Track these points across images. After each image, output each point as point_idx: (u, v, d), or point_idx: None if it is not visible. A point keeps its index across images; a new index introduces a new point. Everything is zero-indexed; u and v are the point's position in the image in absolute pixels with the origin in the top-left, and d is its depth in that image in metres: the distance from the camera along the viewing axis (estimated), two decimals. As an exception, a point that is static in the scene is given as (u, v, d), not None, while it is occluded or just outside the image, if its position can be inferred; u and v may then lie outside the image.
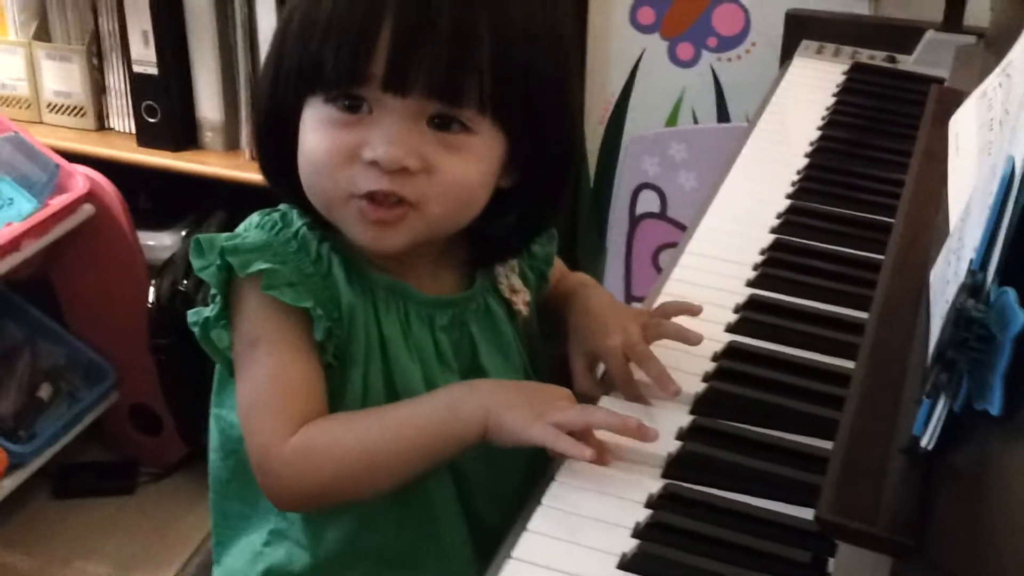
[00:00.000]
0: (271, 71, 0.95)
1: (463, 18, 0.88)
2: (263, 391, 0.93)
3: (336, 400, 0.96)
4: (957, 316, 0.69)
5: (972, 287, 0.69)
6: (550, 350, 1.13)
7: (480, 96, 0.89)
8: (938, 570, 0.70)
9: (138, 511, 2.19)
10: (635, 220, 2.10)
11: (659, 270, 2.10)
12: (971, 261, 0.72)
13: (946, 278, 0.84)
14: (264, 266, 0.92)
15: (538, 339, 1.10)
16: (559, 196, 1.02)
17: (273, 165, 0.98)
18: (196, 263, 0.94)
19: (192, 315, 0.97)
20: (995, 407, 0.67)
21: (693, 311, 1.08)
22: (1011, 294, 0.67)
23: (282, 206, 1.00)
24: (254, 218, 0.99)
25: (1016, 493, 0.66)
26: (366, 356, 0.96)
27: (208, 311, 0.95)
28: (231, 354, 0.95)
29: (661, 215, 2.08)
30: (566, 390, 0.96)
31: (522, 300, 1.06)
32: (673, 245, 2.06)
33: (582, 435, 0.92)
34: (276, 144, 0.96)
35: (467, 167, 0.92)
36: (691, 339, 1.05)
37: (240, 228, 0.99)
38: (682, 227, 2.05)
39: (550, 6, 0.94)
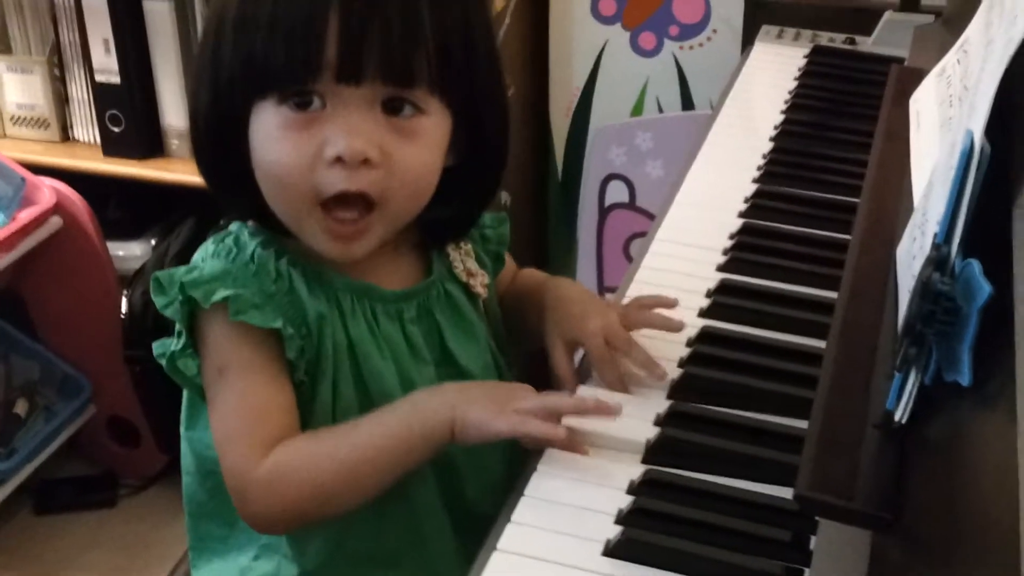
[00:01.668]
0: (208, 83, 0.93)
1: None
2: (234, 418, 0.93)
3: (307, 412, 0.96)
4: (924, 290, 0.70)
5: (937, 260, 0.71)
6: (520, 347, 1.14)
7: (429, 74, 0.90)
8: (917, 541, 0.71)
9: (121, 523, 2.18)
10: (604, 211, 2.11)
11: (630, 259, 2.11)
12: (935, 235, 0.73)
13: (912, 253, 0.85)
14: (227, 293, 0.91)
15: (499, 321, 1.11)
16: (501, 169, 1.03)
17: (220, 180, 0.97)
18: (158, 300, 0.94)
19: (158, 347, 0.96)
20: (965, 378, 0.68)
21: (668, 303, 1.09)
22: (975, 266, 0.68)
23: (232, 227, 1.00)
24: (208, 246, 0.98)
25: (988, 461, 0.67)
26: (335, 364, 0.96)
27: (173, 344, 0.95)
28: (199, 380, 0.95)
29: (630, 205, 2.09)
30: (528, 385, 0.96)
31: (480, 283, 1.07)
32: (643, 234, 2.07)
33: (547, 422, 0.92)
34: (221, 158, 0.95)
35: (422, 153, 0.93)
36: (674, 327, 1.06)
37: (196, 258, 0.98)
38: (651, 216, 2.06)
39: None
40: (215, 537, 1.05)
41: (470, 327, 1.04)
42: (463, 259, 1.06)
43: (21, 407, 2.11)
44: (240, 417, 0.93)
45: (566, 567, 0.84)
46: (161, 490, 2.24)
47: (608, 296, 1.11)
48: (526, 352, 1.16)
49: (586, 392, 1.02)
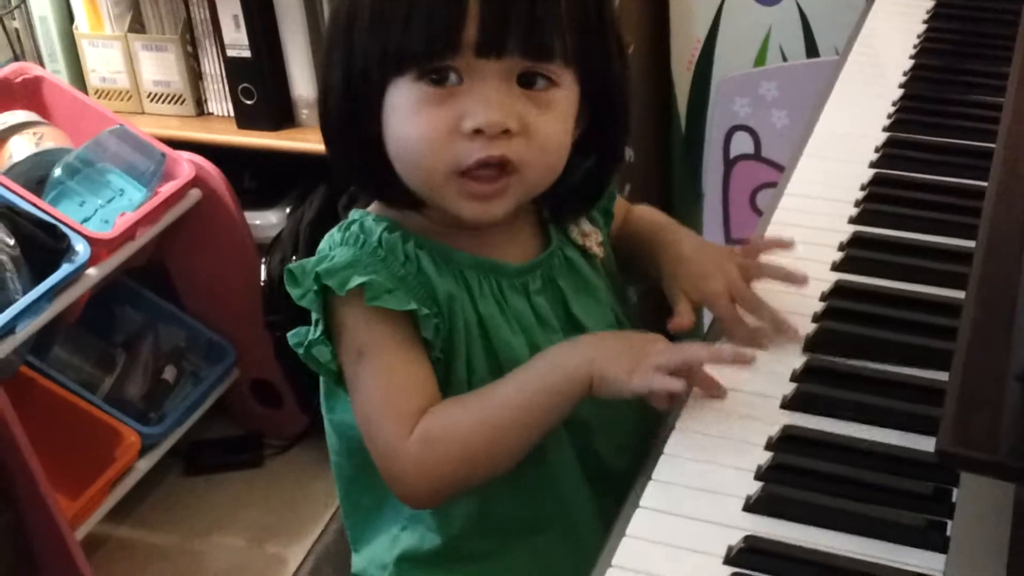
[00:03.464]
0: (341, 62, 0.95)
1: None
2: (377, 398, 0.96)
3: (444, 390, 0.98)
4: (1065, 243, 0.70)
5: (1079, 213, 0.70)
6: (636, 289, 1.14)
7: (564, 47, 0.92)
8: (1061, 494, 0.71)
9: (267, 482, 2.27)
10: (730, 162, 2.10)
11: (757, 211, 2.10)
12: (1076, 187, 0.73)
13: (1052, 204, 0.84)
14: (362, 280, 0.93)
15: (616, 275, 1.12)
16: (623, 142, 1.04)
17: (347, 157, 0.99)
18: (293, 292, 0.96)
19: (293, 336, 0.99)
20: (1109, 330, 0.68)
21: (784, 245, 1.08)
22: (1119, 218, 0.68)
23: (354, 215, 1.02)
24: (335, 235, 1.00)
25: None
26: (467, 341, 0.98)
27: (310, 333, 0.97)
28: (334, 366, 0.97)
29: (756, 156, 2.08)
30: (660, 335, 0.97)
31: (595, 241, 1.08)
32: (770, 185, 2.07)
33: (686, 374, 0.93)
34: (351, 136, 0.97)
35: (557, 123, 0.94)
36: (797, 280, 1.06)
37: (323, 247, 1.00)
38: (777, 166, 2.05)
39: None
40: (365, 509, 1.09)
41: (592, 289, 1.06)
42: (578, 221, 1.07)
43: (170, 373, 2.19)
44: (384, 395, 0.95)
45: (707, 523, 0.85)
46: (304, 449, 2.32)
47: (737, 248, 1.11)
48: (642, 291, 1.16)
49: (723, 348, 1.02)
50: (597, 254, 1.07)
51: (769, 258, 1.08)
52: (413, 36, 0.90)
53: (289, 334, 1.00)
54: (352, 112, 0.96)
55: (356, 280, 0.93)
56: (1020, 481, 0.74)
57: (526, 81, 0.92)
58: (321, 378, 1.05)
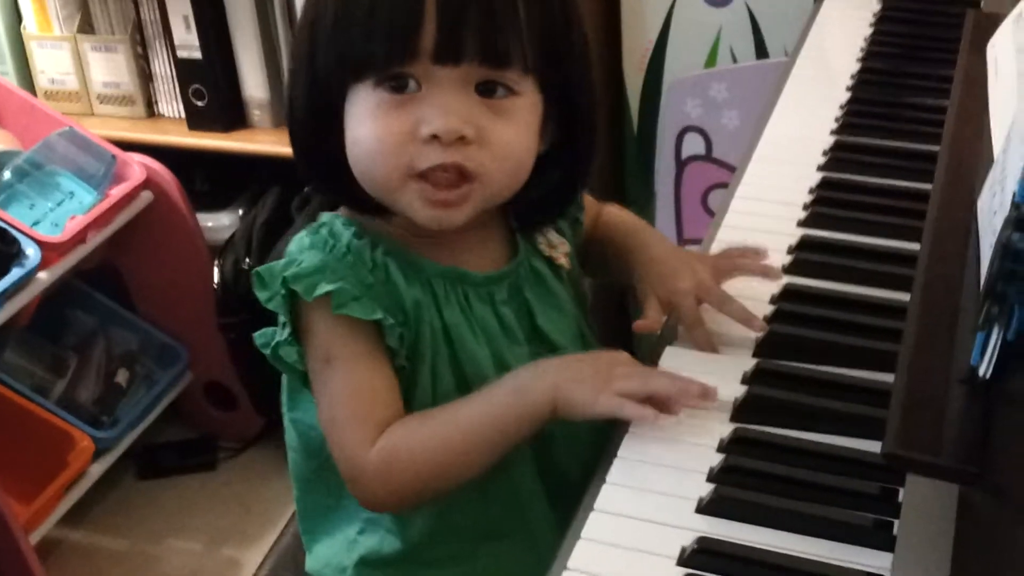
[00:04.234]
0: (305, 72, 0.96)
1: None
2: (342, 405, 0.96)
3: (408, 396, 0.99)
4: (1004, 250, 0.72)
5: (1017, 220, 0.72)
6: (598, 280, 1.15)
7: (523, 55, 0.92)
8: (1004, 492, 0.73)
9: (222, 485, 2.27)
10: (681, 163, 2.12)
11: (709, 211, 2.12)
12: (1015, 194, 0.74)
13: (992, 208, 0.86)
14: (330, 288, 0.94)
15: (582, 285, 1.13)
16: (591, 154, 1.04)
17: (314, 164, 1.00)
18: (261, 295, 0.97)
19: (260, 337, 0.99)
20: (1048, 335, 0.70)
21: (758, 253, 1.10)
22: (1056, 225, 0.70)
23: (324, 217, 1.02)
24: (304, 239, 1.00)
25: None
26: (432, 349, 0.99)
27: (277, 334, 0.98)
28: (301, 367, 0.98)
29: (707, 157, 2.10)
30: (625, 353, 0.98)
31: (562, 253, 1.08)
32: (721, 186, 2.09)
33: (651, 401, 0.94)
34: (316, 141, 0.97)
35: (517, 132, 0.95)
36: (771, 274, 1.08)
37: (292, 249, 1.00)
38: (729, 167, 2.07)
39: None
40: (321, 509, 1.09)
41: (558, 302, 1.06)
42: (544, 232, 1.08)
43: (122, 377, 2.19)
44: (348, 405, 0.96)
45: (661, 525, 0.87)
46: (259, 452, 2.32)
47: (690, 248, 1.12)
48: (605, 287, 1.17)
49: (672, 352, 1.04)
50: (564, 265, 1.08)
51: (743, 261, 1.10)
52: (372, 43, 0.91)
53: (256, 334, 1.00)
54: (316, 118, 0.96)
55: (323, 287, 0.94)
56: (963, 482, 0.76)
57: (485, 90, 0.92)
58: (284, 376, 1.05)
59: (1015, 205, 0.73)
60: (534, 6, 0.92)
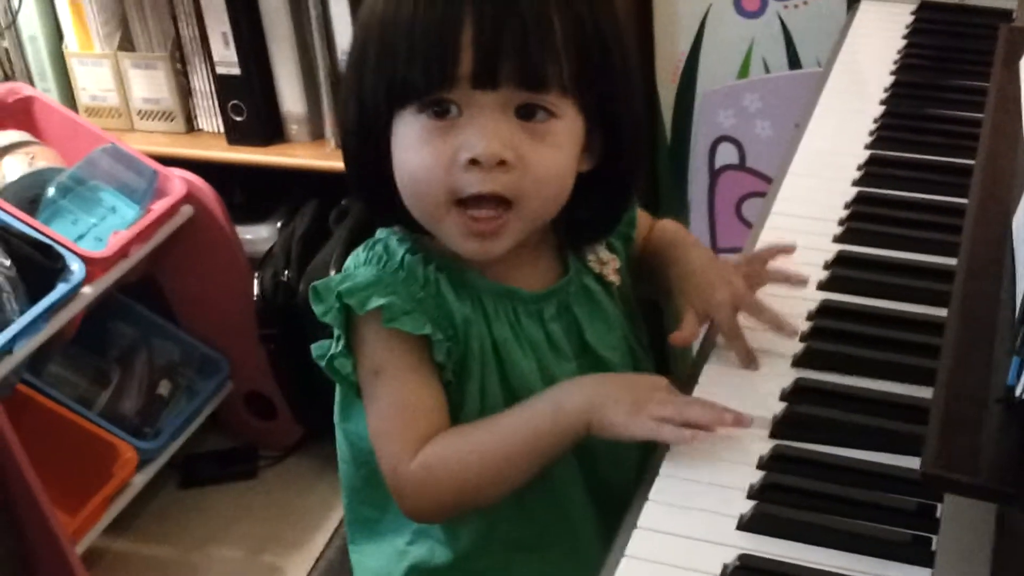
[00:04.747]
0: (354, 101, 0.99)
1: (537, 4, 0.92)
2: (388, 417, 1.00)
3: (456, 411, 1.01)
4: (1041, 277, 0.73)
5: (1053, 247, 0.73)
6: (648, 295, 1.17)
7: (561, 77, 0.94)
8: (1041, 513, 0.75)
9: (262, 494, 2.29)
10: (715, 173, 2.13)
11: (743, 220, 2.13)
12: (1051, 220, 0.76)
13: (1028, 229, 0.88)
14: (381, 302, 0.97)
15: (633, 302, 1.15)
16: (640, 172, 1.06)
17: (366, 187, 1.03)
18: (317, 308, 1.00)
19: (316, 349, 1.03)
20: (1083, 358, 0.71)
21: (787, 250, 1.12)
22: (1091, 251, 0.71)
23: (380, 233, 1.05)
24: (360, 254, 1.04)
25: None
26: (481, 364, 1.01)
27: (332, 348, 1.01)
28: (354, 378, 1.01)
29: (740, 166, 2.11)
30: (665, 380, 1.00)
31: (612, 269, 1.10)
32: (755, 194, 2.10)
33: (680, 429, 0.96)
34: (367, 166, 1.00)
35: (556, 155, 0.96)
36: (794, 279, 1.10)
37: (348, 265, 1.04)
38: (762, 176, 2.08)
39: None
40: (369, 519, 1.12)
41: (607, 317, 1.08)
42: (595, 248, 1.10)
43: (164, 388, 2.22)
44: (393, 417, 0.99)
45: (702, 542, 0.88)
46: (298, 460, 2.34)
47: (725, 256, 1.14)
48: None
49: (711, 370, 1.06)
50: (614, 282, 1.10)
51: (773, 265, 1.12)
52: (413, 70, 0.93)
53: (313, 346, 1.03)
54: (365, 143, 0.99)
55: (375, 301, 0.97)
56: (1001, 502, 0.77)
57: (525, 113, 0.94)
58: (337, 387, 1.08)
59: (1050, 230, 0.74)
60: (570, 28, 0.94)
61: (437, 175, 0.95)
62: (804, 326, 1.10)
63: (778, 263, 1.13)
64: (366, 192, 1.04)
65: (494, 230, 0.96)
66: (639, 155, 1.06)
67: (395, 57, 0.94)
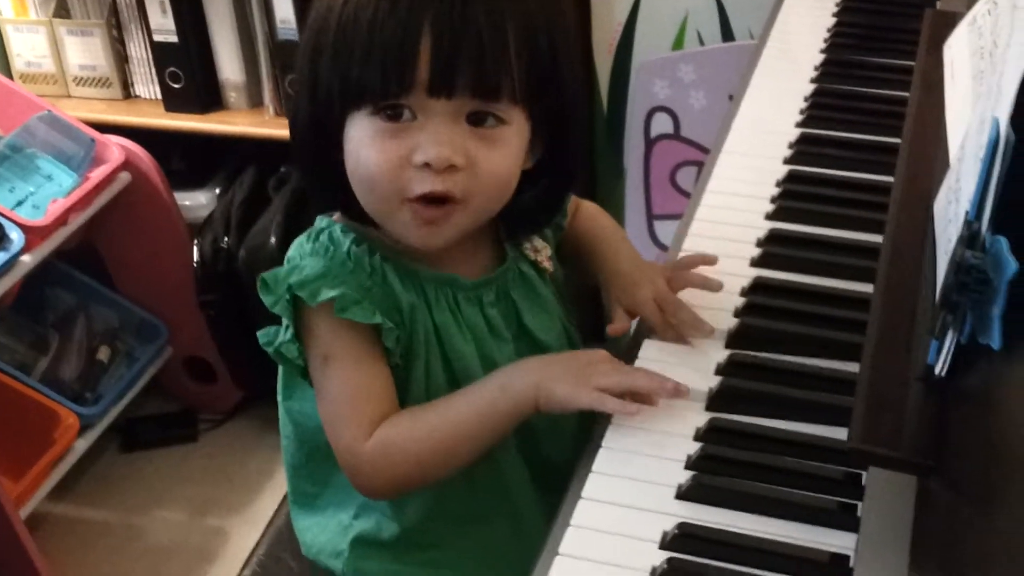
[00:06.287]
0: (307, 97, 1.01)
1: (493, 17, 0.95)
2: (341, 402, 1.03)
3: (403, 393, 1.06)
4: (957, 267, 0.78)
5: (969, 238, 0.79)
6: (575, 279, 1.23)
7: (513, 88, 0.97)
8: (957, 484, 0.80)
9: (204, 457, 2.32)
10: (651, 142, 2.18)
11: (677, 188, 2.19)
12: (967, 212, 0.81)
13: (947, 216, 0.93)
14: (332, 294, 1.00)
15: (563, 286, 1.20)
16: (578, 167, 1.11)
17: (316, 179, 1.07)
18: (266, 299, 1.03)
19: (263, 336, 1.06)
20: (995, 342, 0.77)
21: (709, 261, 1.17)
22: (1003, 243, 0.77)
23: (321, 222, 1.08)
24: (305, 245, 1.07)
25: (1020, 414, 0.76)
26: (425, 348, 1.06)
27: (281, 336, 1.04)
28: (301, 363, 1.04)
29: (675, 135, 2.16)
30: (604, 352, 1.05)
31: (545, 257, 1.15)
32: (689, 163, 2.15)
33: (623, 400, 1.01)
34: (317, 158, 1.04)
35: (504, 158, 1.00)
36: (713, 287, 1.14)
37: (293, 254, 1.06)
38: (696, 145, 2.13)
39: None
40: (309, 494, 1.16)
41: (543, 302, 1.13)
42: (529, 237, 1.14)
43: (104, 354, 2.23)
44: (346, 401, 1.03)
45: (643, 511, 0.93)
46: (239, 424, 2.38)
47: (660, 257, 1.19)
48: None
49: (651, 344, 1.11)
50: (547, 268, 1.15)
51: (695, 271, 1.16)
52: (370, 74, 0.96)
53: (259, 333, 1.06)
54: (317, 137, 1.02)
55: (327, 293, 1.00)
56: (921, 474, 0.83)
57: (476, 119, 0.98)
58: (280, 367, 1.11)
59: (967, 223, 0.80)
60: (523, 42, 0.97)
61: (389, 174, 0.98)
62: (738, 302, 1.15)
63: (699, 270, 1.17)
64: (317, 182, 1.07)
65: (441, 218, 1.00)
66: (578, 154, 1.10)
67: (351, 59, 0.97)
